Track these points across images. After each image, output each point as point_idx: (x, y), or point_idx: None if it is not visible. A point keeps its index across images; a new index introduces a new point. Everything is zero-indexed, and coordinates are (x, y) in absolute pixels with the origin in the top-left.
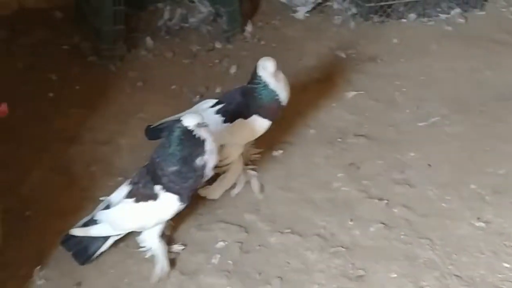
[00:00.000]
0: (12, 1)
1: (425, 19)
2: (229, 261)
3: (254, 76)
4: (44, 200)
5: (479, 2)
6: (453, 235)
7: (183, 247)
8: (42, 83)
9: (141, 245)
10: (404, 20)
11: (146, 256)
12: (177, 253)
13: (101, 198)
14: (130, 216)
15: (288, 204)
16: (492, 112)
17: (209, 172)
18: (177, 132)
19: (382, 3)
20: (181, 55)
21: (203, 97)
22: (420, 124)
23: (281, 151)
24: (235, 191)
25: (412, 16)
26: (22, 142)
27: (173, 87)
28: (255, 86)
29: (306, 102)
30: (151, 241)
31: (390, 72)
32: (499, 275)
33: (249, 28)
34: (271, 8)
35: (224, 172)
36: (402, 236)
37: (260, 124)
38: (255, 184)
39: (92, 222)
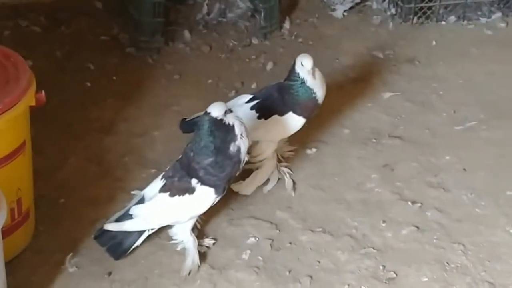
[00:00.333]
0: None
1: (465, 22)
2: (259, 258)
3: (291, 73)
4: (78, 188)
5: None
6: (487, 241)
7: (214, 242)
8: (79, 73)
9: (173, 238)
10: (443, 23)
11: (178, 249)
12: (208, 247)
13: (132, 192)
14: (166, 211)
15: (320, 203)
16: None
17: (244, 156)
18: (206, 124)
19: (422, 5)
20: (218, 49)
21: (238, 93)
22: (457, 128)
23: (314, 150)
24: (268, 187)
25: (452, 18)
26: (58, 130)
27: (209, 81)
28: (292, 83)
29: (341, 101)
30: (183, 235)
31: (427, 74)
32: None
33: (286, 25)
34: (310, 5)
35: (257, 168)
36: (434, 240)
37: (295, 121)
38: (287, 182)
39: (126, 216)
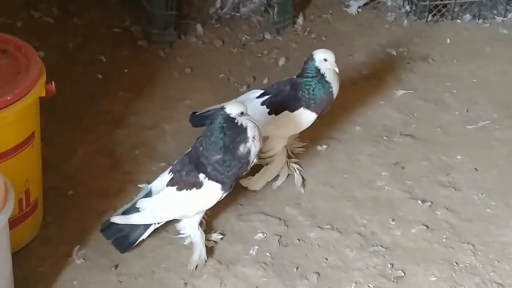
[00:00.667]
0: None
1: (480, 21)
2: (267, 253)
3: (306, 69)
4: (87, 180)
5: None
6: (497, 241)
7: (221, 237)
8: (91, 65)
9: (181, 232)
10: (458, 21)
11: (185, 243)
12: (216, 242)
13: (139, 185)
14: (173, 204)
15: (329, 200)
16: None
17: (253, 159)
18: (219, 120)
19: (437, 2)
20: (230, 44)
21: (250, 87)
22: (469, 127)
23: (325, 146)
24: (277, 183)
25: (467, 17)
26: (69, 122)
27: (221, 75)
28: (309, 79)
29: (354, 98)
30: (191, 229)
31: (441, 72)
32: None
33: (300, 20)
34: (324, 1)
35: (267, 163)
36: (444, 240)
37: (306, 117)
38: (297, 178)
39: (133, 209)
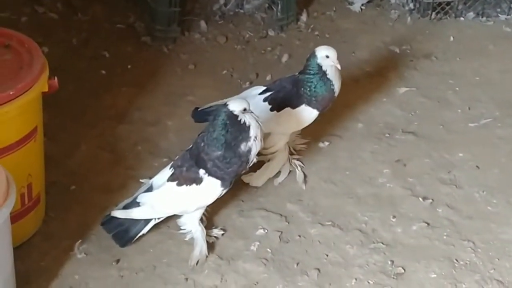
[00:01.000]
0: None
1: (484, 19)
2: (268, 249)
3: (309, 66)
4: (89, 175)
5: None
6: (497, 239)
7: (222, 232)
8: (95, 60)
9: (182, 227)
10: (462, 19)
11: (186, 239)
12: (217, 238)
13: (141, 180)
14: (173, 200)
15: (331, 196)
16: None
17: (253, 158)
18: (222, 116)
19: (441, 0)
20: (233, 40)
21: (253, 84)
22: (471, 124)
23: (327, 143)
24: (279, 180)
25: (471, 15)
26: (72, 117)
27: (224, 72)
28: (311, 76)
29: (356, 95)
30: (191, 225)
31: (444, 70)
32: None
33: (303, 17)
34: None
35: (269, 160)
36: (444, 237)
37: (308, 114)
38: (299, 174)
39: (134, 204)
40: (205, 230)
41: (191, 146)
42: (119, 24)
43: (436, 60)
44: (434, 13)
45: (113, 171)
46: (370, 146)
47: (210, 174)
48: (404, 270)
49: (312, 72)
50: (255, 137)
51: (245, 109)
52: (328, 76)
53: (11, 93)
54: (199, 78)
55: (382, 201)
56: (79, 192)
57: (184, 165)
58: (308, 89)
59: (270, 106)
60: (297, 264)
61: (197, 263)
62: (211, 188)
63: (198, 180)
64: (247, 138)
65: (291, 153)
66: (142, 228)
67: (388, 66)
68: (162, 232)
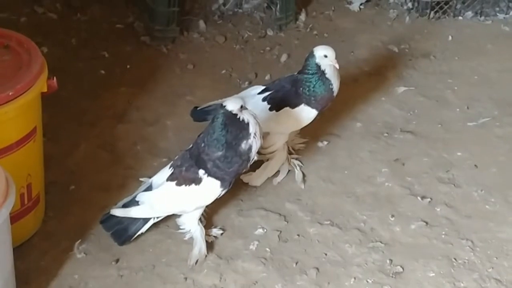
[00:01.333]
0: None
1: (482, 18)
2: (267, 249)
3: (307, 65)
4: (88, 175)
5: None
6: (495, 238)
7: (222, 232)
8: (94, 60)
9: (181, 227)
10: (460, 18)
11: (185, 238)
12: (216, 237)
13: (141, 179)
14: (171, 199)
15: (329, 196)
16: None
17: (254, 156)
18: (221, 117)
19: None
20: (232, 40)
21: (251, 84)
22: (470, 124)
23: (326, 143)
24: (278, 179)
25: (469, 14)
26: (71, 117)
27: (223, 71)
28: (309, 75)
29: (355, 95)
30: (191, 224)
31: (442, 69)
32: None
33: (302, 17)
34: None
35: (268, 159)
36: (443, 236)
37: (306, 114)
38: (297, 174)
39: (133, 203)
40: (204, 230)
41: (191, 146)
42: (118, 24)
43: (435, 59)
44: (432, 12)
45: (112, 170)
46: (368, 145)
47: (210, 174)
48: (403, 269)
49: (310, 71)
50: (255, 134)
51: (242, 107)
52: (326, 76)
53: (10, 93)
54: (198, 78)
55: (381, 200)
56: (79, 191)
57: (184, 165)
58: (307, 88)
59: (269, 106)
60: (296, 263)
61: (196, 263)
62: (210, 189)
63: (197, 180)
64: (247, 135)
65: (290, 153)
66: (141, 227)
67: (387, 66)
68: (161, 231)
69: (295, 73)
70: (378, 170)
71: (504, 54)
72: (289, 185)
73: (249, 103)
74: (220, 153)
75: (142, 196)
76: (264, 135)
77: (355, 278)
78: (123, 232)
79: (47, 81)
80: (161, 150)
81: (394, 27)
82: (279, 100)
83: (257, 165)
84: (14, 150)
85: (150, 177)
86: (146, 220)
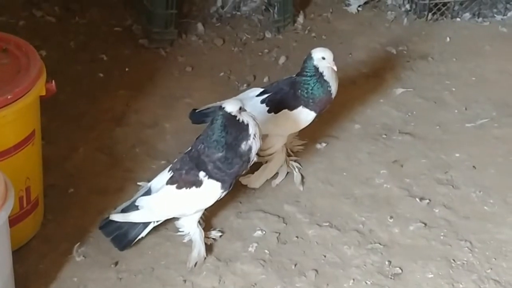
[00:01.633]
0: None
1: (480, 19)
2: (266, 251)
3: (305, 68)
4: (87, 178)
5: None
6: (494, 239)
7: (220, 234)
8: (92, 63)
9: (180, 229)
10: (458, 19)
11: (184, 241)
12: (215, 239)
13: (139, 183)
14: (172, 203)
15: (328, 197)
16: None
17: (254, 157)
18: (220, 119)
19: (437, 1)
20: (231, 43)
21: (250, 86)
22: (468, 125)
23: (324, 144)
24: (276, 181)
25: (467, 15)
26: (70, 120)
27: (221, 74)
28: (308, 78)
29: (353, 96)
30: (190, 227)
31: (440, 71)
32: None
33: (300, 19)
34: (324, 0)
35: (266, 161)
36: (441, 237)
37: (305, 116)
38: (296, 176)
39: (132, 207)
40: (203, 232)
41: (190, 148)
42: (117, 27)
43: (433, 60)
44: (430, 14)
45: (111, 173)
46: (367, 147)
47: (210, 176)
48: (402, 270)
49: (309, 74)
50: (254, 135)
51: (240, 108)
52: (325, 78)
53: (8, 97)
54: (196, 81)
55: (379, 201)
56: (77, 195)
57: (184, 168)
58: (305, 91)
59: (267, 108)
60: (295, 265)
61: (195, 265)
62: (211, 191)
63: (198, 183)
64: (247, 136)
65: (288, 155)
66: (141, 232)
67: (385, 67)
68: (160, 234)
69: (294, 75)
70: (376, 171)
71: (502, 55)
72: (288, 187)
73: (248, 105)
74: (220, 154)
75: (141, 201)
76: (263, 137)
77: (354, 279)
78: (123, 237)
79: (45, 85)
80: (160, 152)
81: (392, 29)
82: (278, 102)
83: (255, 167)
84: (13, 154)
85: (148, 181)
86: (146, 224)
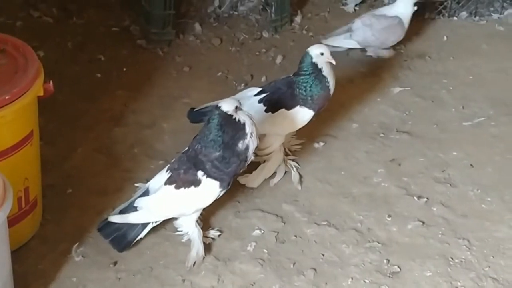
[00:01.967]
0: None
1: (477, 18)
2: (264, 250)
3: (304, 66)
4: (86, 178)
5: None
6: (492, 237)
7: (219, 233)
8: (90, 64)
9: (178, 229)
10: (455, 18)
11: (183, 240)
12: (213, 239)
13: (136, 185)
14: (171, 203)
15: (326, 196)
16: None
17: (251, 155)
18: (216, 118)
19: (434, 0)
20: (228, 42)
21: (247, 86)
22: (465, 123)
23: (322, 144)
24: (274, 180)
25: (464, 14)
26: (68, 121)
27: (219, 74)
28: (306, 76)
29: (351, 95)
30: (188, 226)
31: (438, 69)
32: None
33: (297, 18)
34: None
35: (264, 161)
36: (439, 235)
37: (303, 115)
38: (294, 175)
39: (131, 208)
40: (201, 232)
41: (187, 148)
42: (114, 27)
43: (430, 59)
44: (427, 13)
45: (109, 173)
46: (364, 146)
47: (209, 175)
48: (400, 268)
49: (307, 72)
50: (251, 134)
51: (237, 107)
52: (323, 74)
53: (6, 97)
54: (194, 81)
55: (377, 200)
56: (76, 195)
57: (182, 168)
58: (304, 89)
59: (265, 108)
60: (294, 264)
61: (194, 265)
62: (209, 190)
63: (196, 182)
64: (243, 135)
65: (286, 154)
66: (140, 232)
67: (382, 66)
68: (158, 234)
69: (291, 75)
70: (374, 170)
71: (499, 54)
72: (286, 186)
73: (245, 105)
74: (217, 153)
75: (140, 201)
76: (261, 137)
77: (352, 278)
78: (122, 238)
79: (43, 85)
80: (158, 152)
81: None
82: (275, 102)
83: (253, 166)
84: (11, 154)
85: (147, 180)
86: (144, 225)
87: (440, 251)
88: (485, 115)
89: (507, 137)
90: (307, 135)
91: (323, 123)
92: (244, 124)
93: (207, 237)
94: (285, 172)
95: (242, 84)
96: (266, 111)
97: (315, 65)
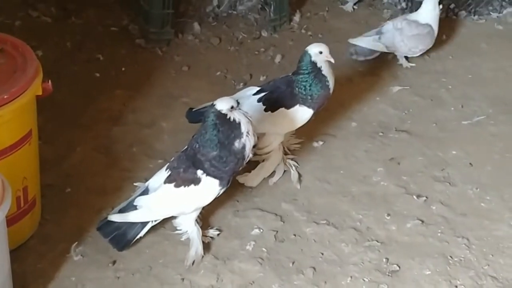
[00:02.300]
0: None
1: (476, 17)
2: (263, 249)
3: (303, 65)
4: (85, 178)
5: None
6: (491, 235)
7: (218, 232)
8: (89, 63)
9: (177, 228)
10: (454, 17)
11: (182, 239)
12: (212, 238)
13: (135, 184)
14: (171, 201)
15: (325, 195)
16: None
17: (249, 154)
18: (211, 117)
19: None
20: (227, 42)
21: (246, 85)
22: (464, 122)
23: (321, 143)
24: (273, 179)
25: (463, 13)
26: (67, 120)
27: (218, 73)
28: (305, 75)
29: (350, 95)
30: (187, 225)
31: (437, 68)
32: None
33: (296, 18)
34: None
35: (263, 160)
36: (438, 234)
37: (302, 114)
38: (293, 174)
39: (130, 207)
40: (201, 231)
41: (186, 147)
42: (113, 27)
43: (429, 58)
44: None
45: (108, 173)
46: (364, 145)
47: (208, 174)
48: (399, 267)
49: (306, 71)
50: (247, 133)
51: (232, 107)
52: (323, 73)
53: (5, 97)
54: (193, 80)
55: (377, 199)
56: (75, 194)
57: (181, 167)
58: (303, 88)
59: (264, 107)
60: (293, 263)
61: (193, 263)
62: (209, 188)
63: (196, 181)
64: (239, 135)
65: (285, 153)
66: (140, 231)
67: (381, 65)
68: (158, 233)
69: (290, 74)
70: (373, 169)
71: (498, 53)
72: (285, 185)
73: (245, 104)
74: (214, 153)
75: (140, 200)
76: (260, 136)
77: (351, 277)
78: (122, 237)
79: (42, 84)
80: (157, 152)
81: None
82: (274, 101)
83: (252, 165)
84: (10, 154)
85: (146, 180)
86: (144, 224)
87: (440, 249)
88: (484, 114)
89: (506, 136)
90: (306, 134)
91: (322, 122)
92: (239, 123)
93: (206, 236)
94: (284, 171)
95: (241, 84)
96: (265, 110)
97: (314, 63)
